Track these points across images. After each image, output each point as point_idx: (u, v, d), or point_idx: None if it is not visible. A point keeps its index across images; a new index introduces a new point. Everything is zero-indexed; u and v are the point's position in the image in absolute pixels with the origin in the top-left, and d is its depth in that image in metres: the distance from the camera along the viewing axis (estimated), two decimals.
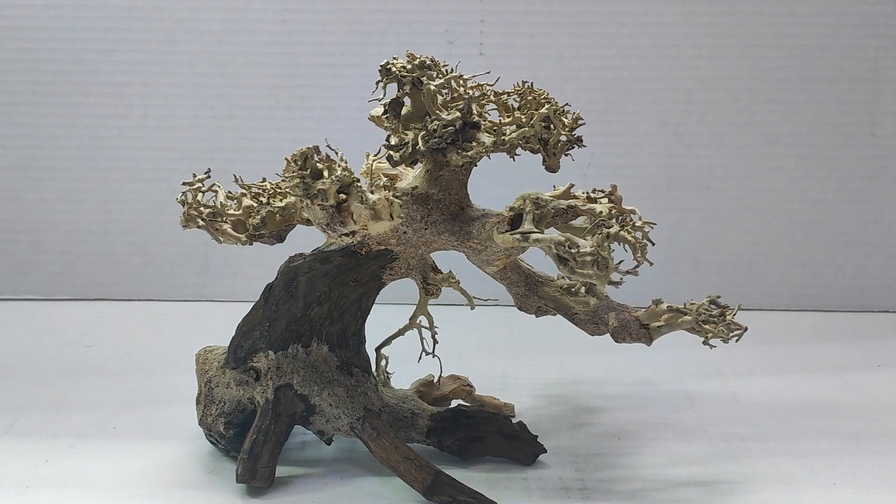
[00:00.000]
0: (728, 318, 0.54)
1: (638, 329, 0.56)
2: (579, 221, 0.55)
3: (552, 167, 0.54)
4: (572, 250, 0.49)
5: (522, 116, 0.53)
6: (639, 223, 0.52)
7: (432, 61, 0.53)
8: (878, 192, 0.90)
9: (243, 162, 0.89)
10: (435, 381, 0.64)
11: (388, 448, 0.56)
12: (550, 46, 0.88)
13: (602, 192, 0.56)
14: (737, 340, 0.54)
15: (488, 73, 0.54)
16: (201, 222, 0.55)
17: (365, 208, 0.50)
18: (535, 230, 0.51)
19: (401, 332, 0.61)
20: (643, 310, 0.57)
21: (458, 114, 0.51)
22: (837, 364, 0.79)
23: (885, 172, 0.90)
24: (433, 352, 0.61)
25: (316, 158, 0.50)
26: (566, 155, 0.55)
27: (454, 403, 0.64)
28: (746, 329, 0.54)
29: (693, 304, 0.55)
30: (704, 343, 0.54)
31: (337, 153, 0.51)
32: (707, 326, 0.54)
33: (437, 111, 0.51)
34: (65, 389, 0.71)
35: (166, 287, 0.92)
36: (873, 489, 0.57)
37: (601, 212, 0.53)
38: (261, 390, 0.57)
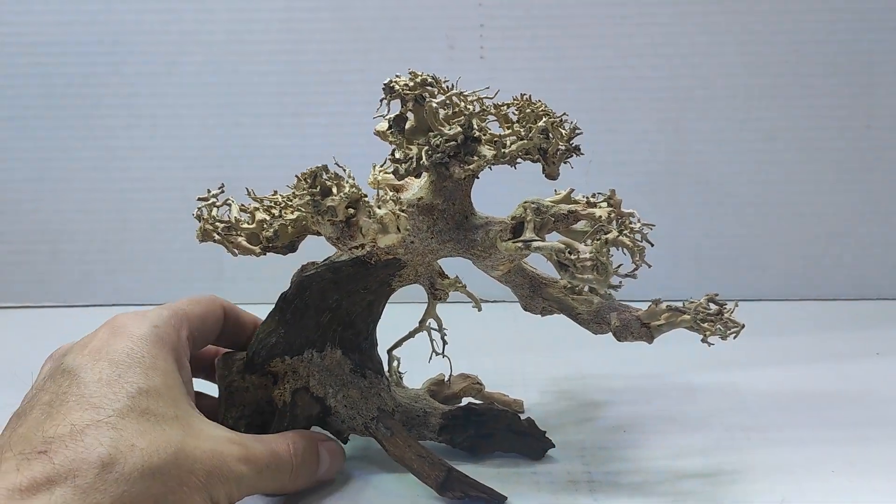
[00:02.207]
0: (726, 315, 0.56)
1: (639, 328, 0.57)
2: (580, 225, 0.57)
3: (552, 175, 0.56)
4: (572, 256, 0.50)
5: (521, 129, 0.55)
6: (637, 226, 0.53)
7: (433, 78, 0.54)
8: (875, 183, 0.92)
9: (252, 168, 0.91)
10: (446, 379, 0.66)
11: (402, 446, 0.57)
12: (550, 48, 0.89)
13: (601, 195, 0.57)
14: (734, 337, 0.56)
15: (487, 87, 0.55)
16: (217, 237, 0.57)
17: (373, 223, 0.52)
18: (537, 238, 0.53)
19: (411, 335, 0.62)
20: (643, 309, 0.58)
21: (459, 129, 0.52)
22: (837, 353, 0.80)
23: (881, 164, 0.91)
24: (443, 352, 0.63)
25: (325, 176, 0.52)
26: (565, 163, 0.56)
27: (465, 401, 0.66)
28: (744, 326, 0.56)
29: (692, 302, 0.56)
30: (703, 341, 0.56)
31: (345, 170, 0.53)
32: (705, 325, 0.55)
33: (440, 126, 0.53)
34: None
35: (183, 292, 0.93)
36: (872, 477, 0.59)
37: (600, 216, 0.54)
38: (279, 393, 0.59)
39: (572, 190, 0.57)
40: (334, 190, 0.52)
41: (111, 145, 0.92)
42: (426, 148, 0.52)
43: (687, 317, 0.56)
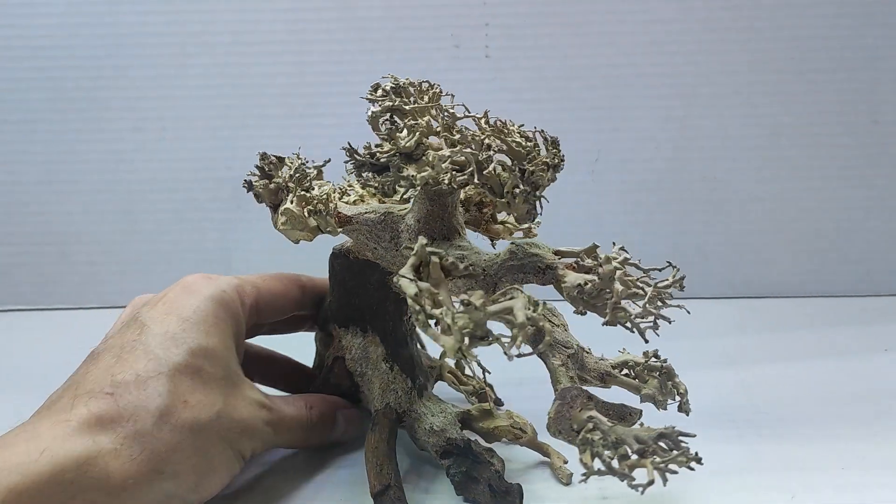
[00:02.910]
0: (647, 464, 0.43)
1: (569, 431, 0.48)
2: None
3: (517, 218, 0.50)
4: (417, 306, 0.41)
5: (435, 156, 0.49)
6: (634, 310, 0.45)
7: (399, 85, 0.52)
8: (881, 178, 0.92)
9: None
10: (494, 411, 0.60)
11: (370, 445, 0.57)
12: (555, 47, 0.90)
13: (596, 258, 0.49)
14: (640, 492, 0.42)
15: (462, 104, 0.52)
16: (268, 202, 0.58)
17: (280, 214, 0.53)
18: (404, 275, 0.42)
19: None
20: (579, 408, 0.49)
21: (389, 146, 0.49)
22: (845, 349, 0.80)
23: (886, 159, 0.91)
24: (483, 378, 0.61)
25: (262, 163, 0.55)
26: (539, 203, 0.49)
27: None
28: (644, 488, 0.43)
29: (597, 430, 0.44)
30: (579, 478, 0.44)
31: (298, 158, 0.55)
32: (593, 461, 0.44)
33: (382, 137, 0.50)
34: None
35: None
36: (882, 472, 0.59)
37: (567, 282, 0.47)
38: (328, 354, 0.63)
39: (595, 246, 0.49)
40: (275, 175, 0.54)
41: (118, 147, 0.92)
42: (362, 156, 0.51)
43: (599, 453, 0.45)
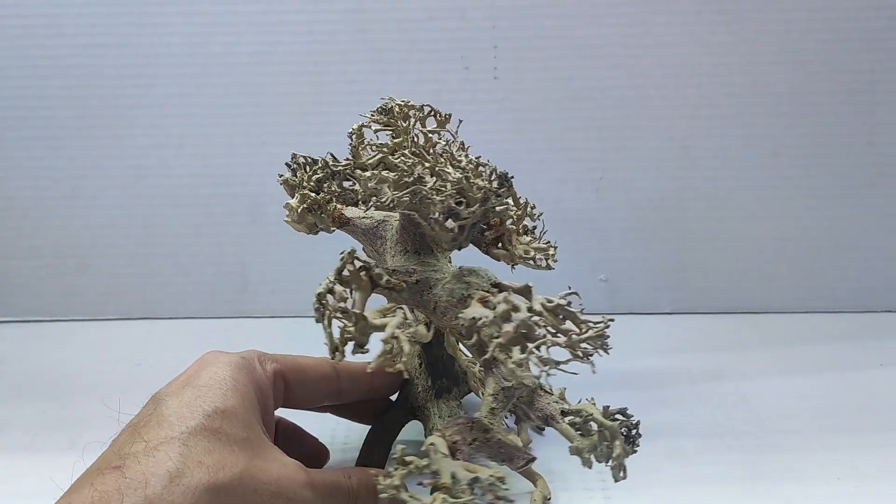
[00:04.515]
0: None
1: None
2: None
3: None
4: (321, 305, 0.44)
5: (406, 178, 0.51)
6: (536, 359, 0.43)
7: (383, 107, 0.57)
8: (878, 197, 0.94)
9: (276, 185, 0.94)
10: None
11: (374, 427, 0.63)
12: (562, 69, 0.92)
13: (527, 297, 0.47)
14: None
15: (448, 130, 0.56)
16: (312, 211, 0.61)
17: (284, 207, 0.59)
18: (328, 276, 0.46)
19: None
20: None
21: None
22: (842, 363, 0.83)
23: (883, 179, 0.94)
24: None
25: (291, 161, 0.61)
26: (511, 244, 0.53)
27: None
28: None
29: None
30: None
31: (317, 161, 0.60)
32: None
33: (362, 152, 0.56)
34: (121, 406, 0.76)
35: (207, 305, 0.97)
36: (875, 481, 0.62)
37: (471, 316, 0.47)
38: None
39: (528, 286, 0.47)
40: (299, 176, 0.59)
41: (140, 164, 0.95)
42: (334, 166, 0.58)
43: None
